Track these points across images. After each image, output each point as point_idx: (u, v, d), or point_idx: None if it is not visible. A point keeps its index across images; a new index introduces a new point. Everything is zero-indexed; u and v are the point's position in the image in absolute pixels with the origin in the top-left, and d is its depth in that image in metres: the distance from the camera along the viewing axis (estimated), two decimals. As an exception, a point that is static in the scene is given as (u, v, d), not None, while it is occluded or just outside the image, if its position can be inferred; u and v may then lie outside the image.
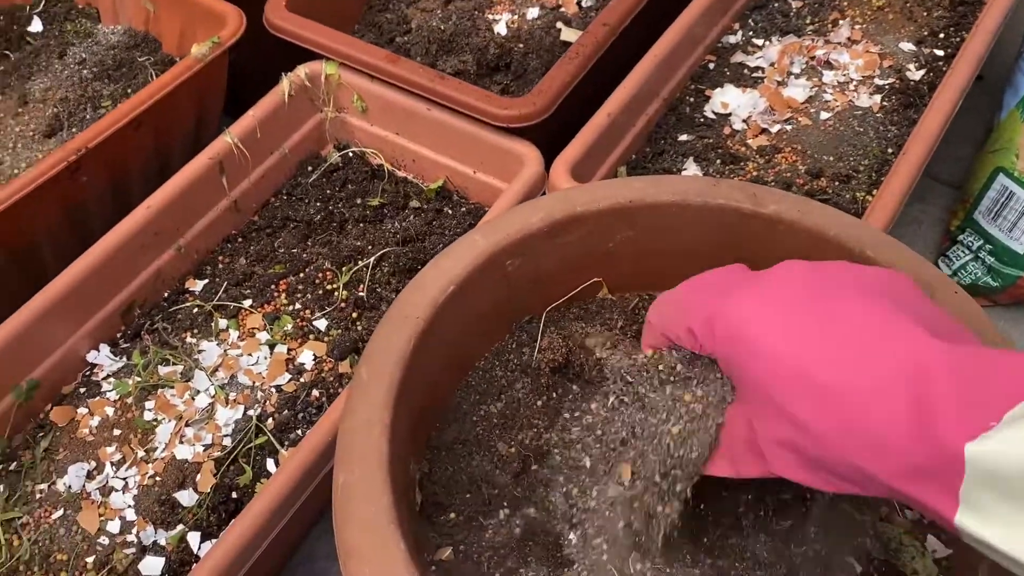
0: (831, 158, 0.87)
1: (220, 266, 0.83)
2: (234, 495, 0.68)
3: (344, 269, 0.81)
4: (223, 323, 0.78)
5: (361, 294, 0.80)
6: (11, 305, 0.71)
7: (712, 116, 0.93)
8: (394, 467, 0.49)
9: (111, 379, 0.75)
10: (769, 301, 0.44)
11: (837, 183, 0.85)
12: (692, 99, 0.95)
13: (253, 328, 0.78)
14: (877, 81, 0.94)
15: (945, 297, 0.57)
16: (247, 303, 0.79)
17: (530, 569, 0.53)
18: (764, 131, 0.91)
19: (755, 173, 0.86)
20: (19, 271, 0.79)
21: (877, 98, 0.92)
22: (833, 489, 0.41)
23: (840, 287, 0.44)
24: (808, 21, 1.02)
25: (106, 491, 0.69)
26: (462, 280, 0.58)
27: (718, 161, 0.88)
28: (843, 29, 0.99)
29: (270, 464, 0.70)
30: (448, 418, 0.61)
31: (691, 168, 0.87)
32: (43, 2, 1.00)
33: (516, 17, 1.04)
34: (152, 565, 0.65)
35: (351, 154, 0.92)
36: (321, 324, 0.78)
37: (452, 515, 0.56)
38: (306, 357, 0.76)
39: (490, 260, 0.60)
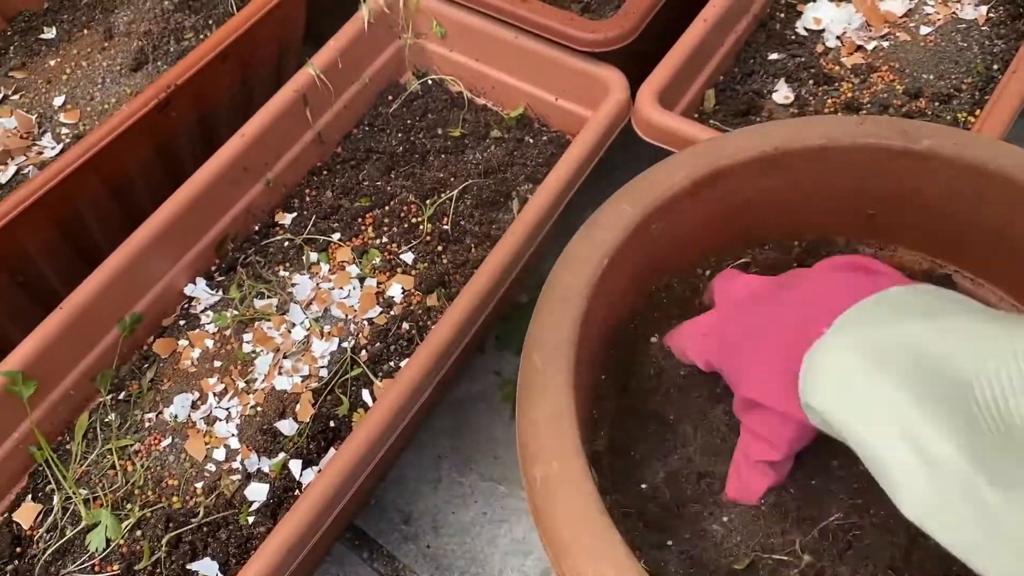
0: (931, 76, 0.83)
1: (307, 199, 0.84)
2: (332, 424, 0.71)
3: (428, 202, 0.82)
4: (314, 256, 0.79)
5: (445, 227, 0.80)
6: (110, 241, 0.74)
7: (804, 33, 0.89)
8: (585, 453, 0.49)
9: (209, 312, 0.78)
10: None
11: (937, 103, 0.81)
12: (783, 15, 0.91)
13: (343, 261, 0.79)
14: (984, -10, 0.88)
15: None
16: (336, 236, 0.80)
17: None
18: (859, 48, 0.87)
19: (850, 94, 0.83)
20: (118, 207, 0.81)
21: (983, 9, 0.87)
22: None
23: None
24: (909, -74, 0.96)
25: (210, 420, 0.72)
26: (614, 252, 0.58)
27: (811, 82, 0.85)
28: (947, -66, 0.93)
29: (365, 395, 0.72)
30: (605, 394, 0.62)
31: (782, 90, 0.84)
32: (120, -68, 0.99)
33: (597, -68, 0.99)
34: (258, 491, 0.68)
35: (430, 82, 0.91)
36: (408, 257, 0.79)
37: (642, 485, 0.57)
38: (395, 290, 0.77)
39: (639, 227, 0.59)
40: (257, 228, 0.83)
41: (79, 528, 0.68)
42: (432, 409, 0.87)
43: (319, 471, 0.69)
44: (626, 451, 0.59)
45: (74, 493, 0.69)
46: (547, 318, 0.55)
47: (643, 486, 0.57)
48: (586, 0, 0.92)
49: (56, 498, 0.69)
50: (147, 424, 0.73)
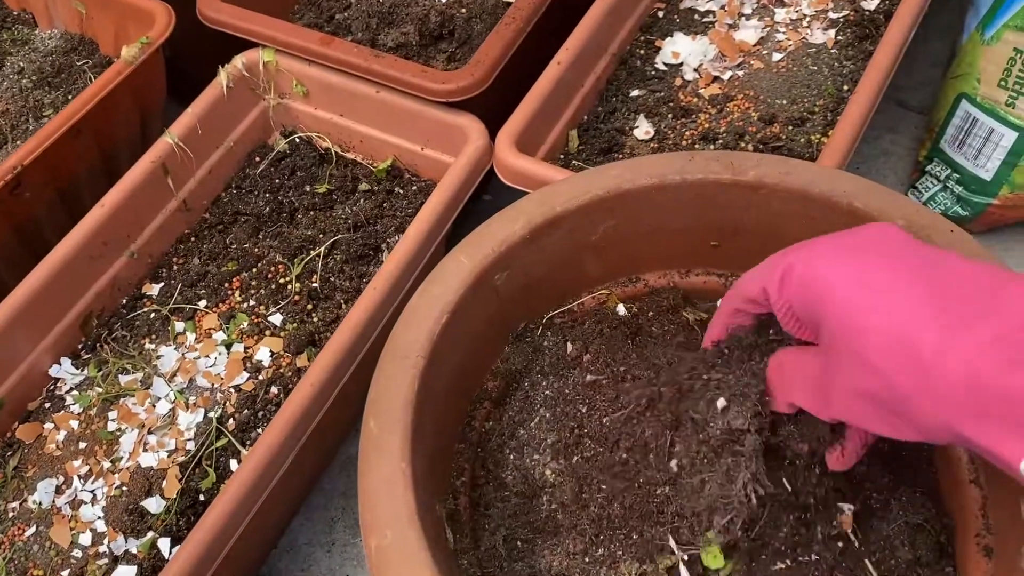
0: (784, 101, 0.85)
1: (175, 267, 0.83)
2: (201, 498, 0.69)
3: (296, 261, 0.81)
4: (180, 326, 0.78)
5: (315, 285, 0.80)
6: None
7: (664, 67, 0.91)
8: (423, 518, 0.48)
9: (74, 392, 0.76)
10: (850, 249, 0.44)
11: (791, 127, 0.83)
12: (643, 51, 0.93)
13: (209, 329, 0.78)
14: (831, 15, 0.91)
15: (943, 238, 0.56)
16: (202, 304, 0.79)
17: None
18: (716, 79, 0.89)
19: (707, 125, 0.84)
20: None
21: (831, 33, 0.89)
22: (904, 437, 0.41)
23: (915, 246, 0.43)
24: (759, -43, 0.99)
25: (76, 504, 0.70)
26: (454, 306, 0.57)
27: (670, 116, 0.86)
28: (795, -38, 0.96)
29: (233, 464, 0.70)
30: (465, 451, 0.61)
31: (643, 125, 0.85)
32: (-23, 10, 0.98)
33: (457, -19, 1.01)
34: (125, 574, 0.66)
35: (298, 140, 0.91)
36: (276, 319, 0.78)
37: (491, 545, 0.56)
38: (263, 354, 0.76)
39: (478, 279, 0.59)
40: (124, 301, 0.81)
41: (-62, 630, 0.66)
42: (323, 470, 0.86)
43: (187, 547, 0.67)
44: (486, 509, 0.59)
45: (-68, 594, 0.67)
46: (384, 381, 0.54)
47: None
48: (451, 50, 0.93)
49: (-86, 600, 0.67)
50: (11, 514, 0.71)
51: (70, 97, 0.89)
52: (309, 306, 0.79)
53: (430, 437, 0.56)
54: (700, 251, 0.67)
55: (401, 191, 0.87)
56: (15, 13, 0.98)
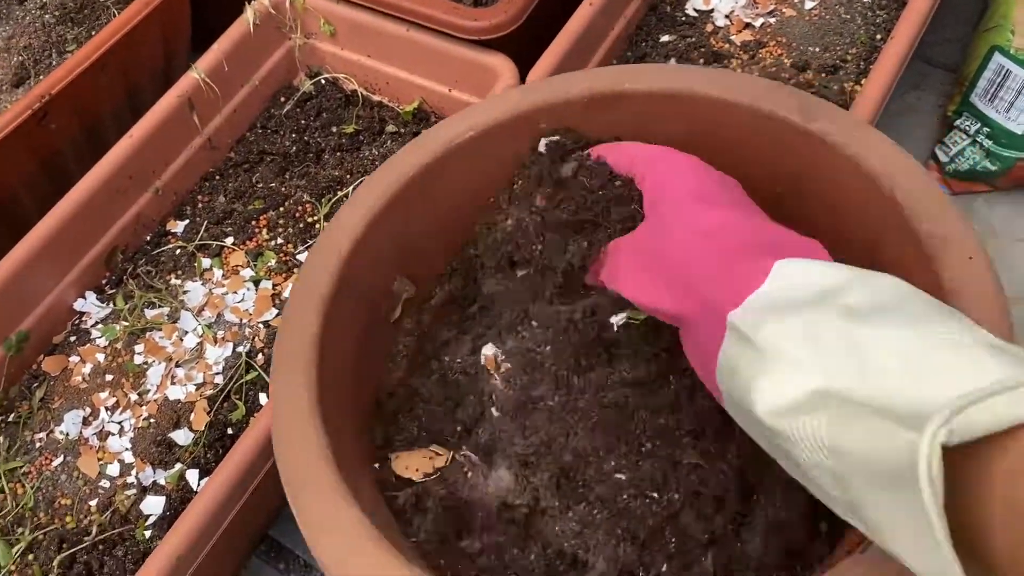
0: (817, 49, 0.84)
1: (200, 205, 0.83)
2: (229, 431, 0.69)
3: (323, 200, 0.80)
4: (206, 262, 0.77)
5: (343, 224, 0.79)
6: (-2, 260, 0.71)
7: (694, 14, 0.90)
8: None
9: (99, 326, 0.75)
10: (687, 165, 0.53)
11: (824, 75, 0.82)
12: (672, -3, 0.92)
13: (237, 266, 0.77)
14: (865, -37, 0.90)
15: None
16: (229, 241, 0.79)
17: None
18: (748, 26, 0.88)
19: (739, 70, 0.84)
20: (3, 225, 0.79)
21: (865, -19, 0.88)
22: (648, 302, 0.47)
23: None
24: (791, -96, 0.97)
25: (103, 436, 0.70)
26: (488, 127, 0.59)
27: (701, 61, 0.85)
28: (828, -90, 0.94)
29: (262, 398, 0.70)
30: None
31: (673, 70, 0.84)
32: (-2, -54, 0.97)
33: (486, -76, 0.99)
34: (153, 504, 0.66)
35: (323, 81, 0.90)
36: (304, 257, 0.77)
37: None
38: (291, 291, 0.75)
39: (525, 118, 0.59)
40: (148, 238, 0.81)
41: (-34, 557, 0.65)
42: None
43: (215, 478, 0.67)
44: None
45: (-41, 521, 0.66)
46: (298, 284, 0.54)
47: None
48: (479, -8, 0.92)
49: (-59, 528, 0.67)
50: (38, 444, 0.70)
51: (93, 33, 0.88)
52: (336, 245, 0.78)
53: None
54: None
55: (428, 133, 0.86)
56: (36, -51, 0.97)
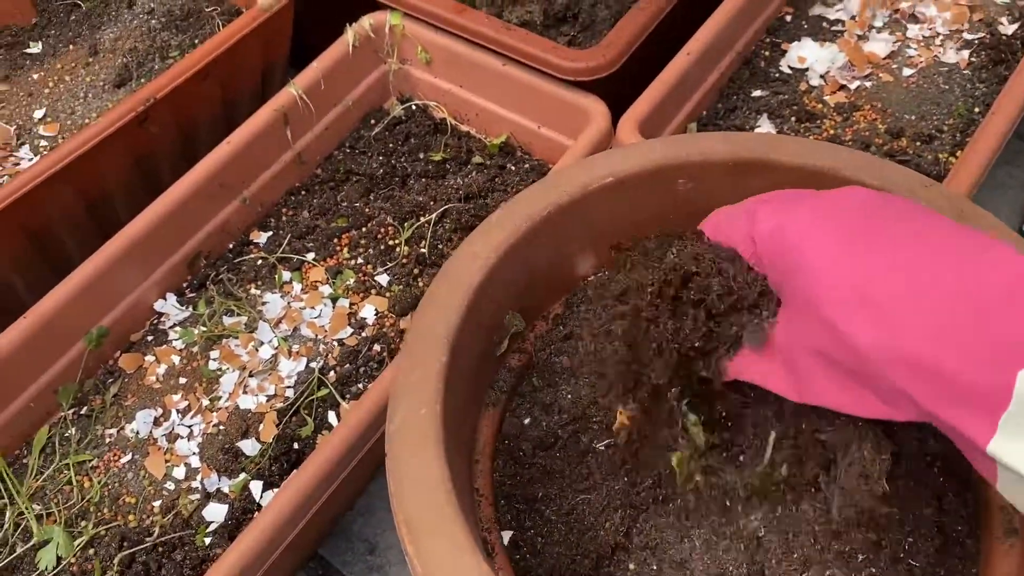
0: (913, 117, 0.83)
1: (284, 218, 0.84)
2: (295, 446, 0.69)
3: (406, 224, 0.81)
4: (286, 275, 0.78)
5: (423, 250, 0.79)
6: (83, 253, 0.73)
7: (788, 71, 0.90)
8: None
9: (177, 328, 0.76)
10: (828, 215, 0.43)
11: (919, 143, 0.81)
12: (767, 53, 0.92)
13: (316, 281, 0.78)
14: (965, 36, 0.89)
15: None
16: (310, 256, 0.80)
17: None
18: (842, 87, 0.87)
19: (832, 132, 0.83)
20: (94, 220, 0.80)
21: (965, 54, 0.87)
22: (860, 412, 0.41)
23: (903, 210, 0.43)
24: (893, -29, 0.97)
25: (172, 438, 0.70)
26: (626, 176, 0.58)
27: (793, 119, 0.85)
28: (931, -20, 0.94)
29: (331, 417, 0.70)
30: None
31: (765, 125, 0.84)
32: (113, -49, 1.00)
33: (585, -34, 1.00)
34: (216, 512, 0.66)
35: (414, 107, 0.91)
36: (383, 279, 0.78)
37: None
38: (368, 312, 0.76)
39: (664, 170, 0.59)
40: (231, 246, 0.82)
41: (30, 545, 0.66)
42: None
43: (280, 493, 0.67)
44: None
45: (27, 508, 0.67)
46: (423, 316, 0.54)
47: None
48: (572, 33, 0.93)
49: (8, 513, 0.67)
50: (107, 440, 0.71)
51: (196, 41, 0.90)
52: (416, 270, 0.78)
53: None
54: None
55: (513, 168, 0.87)
56: (149, -45, 1.00)
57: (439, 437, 0.49)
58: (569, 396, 0.60)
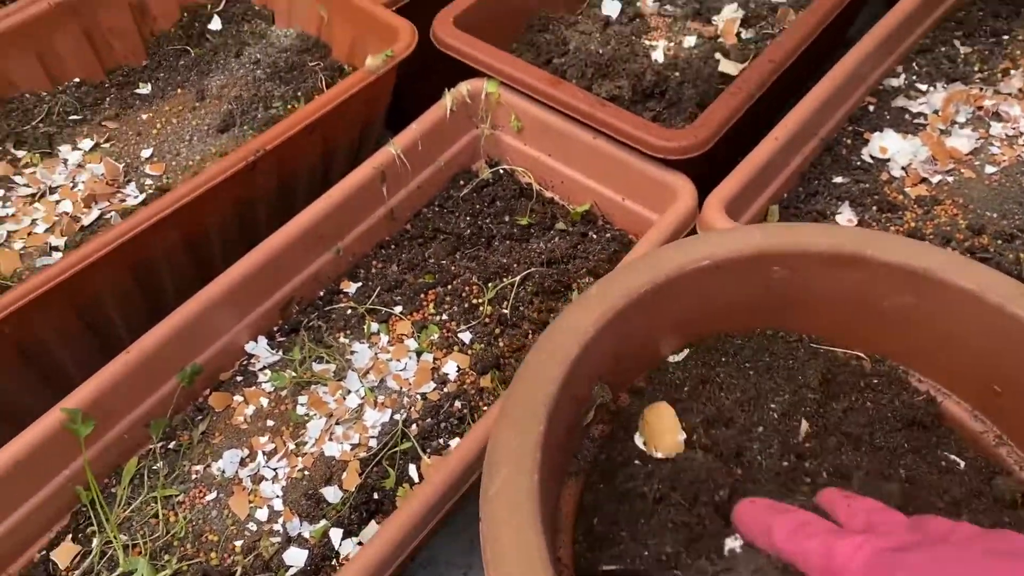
0: (995, 215, 0.84)
1: (373, 270, 0.86)
2: (376, 496, 0.71)
3: (490, 285, 0.83)
4: (374, 327, 0.81)
5: (505, 311, 0.81)
6: (179, 291, 0.76)
7: (869, 160, 0.92)
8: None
9: (267, 370, 0.79)
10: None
11: (1000, 241, 0.82)
12: (849, 141, 0.93)
13: (402, 334, 0.80)
14: (1050, 137, 0.90)
15: None
16: (398, 309, 0.82)
17: None
18: (924, 180, 0.88)
19: (913, 224, 0.84)
20: (191, 257, 0.84)
21: (1048, 155, 0.88)
22: None
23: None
24: (976, 69, 0.99)
25: (257, 479, 0.72)
26: (723, 260, 0.60)
27: (874, 208, 0.86)
28: (1015, 80, 0.96)
29: (412, 470, 0.72)
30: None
31: (846, 212, 0.86)
32: (223, 1, 1.05)
33: (673, 44, 1.04)
34: (296, 556, 0.68)
35: (501, 171, 0.94)
36: (465, 336, 0.80)
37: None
38: (450, 368, 0.78)
39: (761, 257, 0.62)
40: (322, 294, 0.85)
41: (115, 574, 0.68)
42: (472, 492, 0.87)
43: (359, 543, 0.69)
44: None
45: (115, 538, 0.69)
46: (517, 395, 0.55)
47: None
48: (658, 109, 0.96)
49: (96, 541, 0.70)
50: (194, 476, 0.73)
51: (299, 93, 0.94)
52: (497, 330, 0.80)
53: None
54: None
55: (595, 236, 0.89)
56: (256, 8, 1.05)
57: (536, 506, 0.50)
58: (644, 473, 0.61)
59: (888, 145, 0.92)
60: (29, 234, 0.84)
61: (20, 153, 0.91)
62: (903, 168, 0.90)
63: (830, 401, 0.65)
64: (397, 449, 0.73)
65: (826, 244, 0.63)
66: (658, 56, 1.00)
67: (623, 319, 0.61)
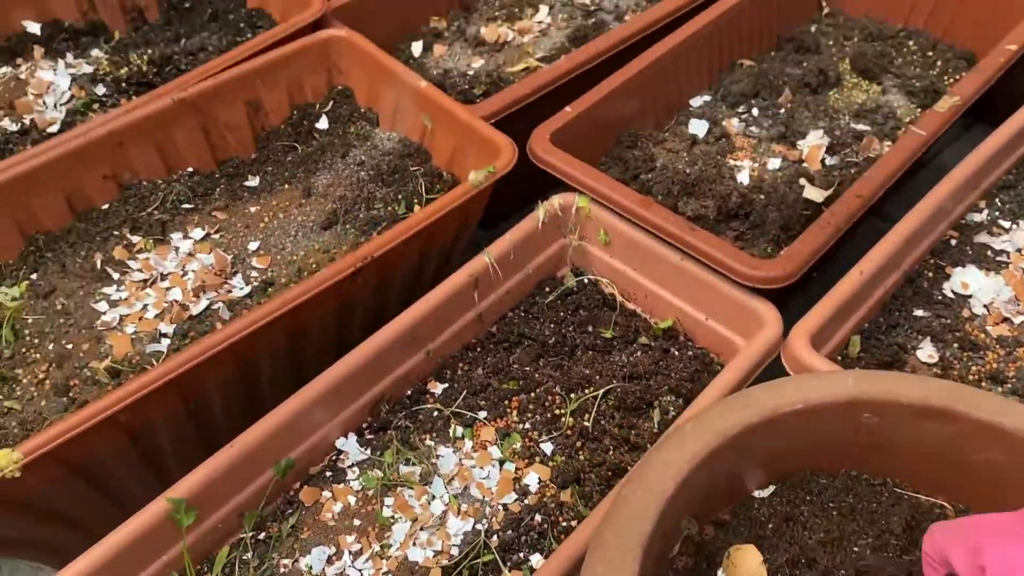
0: (1080, 362, 0.85)
1: (459, 372, 0.90)
2: (454, 605, 0.73)
3: (572, 396, 0.86)
4: (459, 431, 0.83)
5: (586, 424, 0.84)
6: (275, 388, 0.79)
7: (951, 295, 0.93)
8: None
9: (355, 467, 0.82)
10: None
11: (1085, 392, 0.82)
12: (931, 274, 0.95)
13: (486, 441, 0.83)
14: None
15: None
16: (482, 414, 0.85)
17: None
18: (1006, 320, 0.89)
19: (995, 365, 0.85)
20: (291, 356, 0.88)
21: None
22: None
23: None
24: (1060, 208, 1.00)
25: (343, 578, 0.75)
26: (816, 404, 0.63)
27: (955, 345, 0.87)
28: (1100, 223, 0.97)
29: (491, 581, 0.74)
30: None
31: (927, 347, 0.87)
32: (331, 102, 1.11)
33: (757, 166, 1.07)
34: (378, 659, 0.70)
35: (586, 280, 0.97)
36: (547, 447, 0.82)
37: None
38: (531, 479, 0.80)
39: (853, 404, 0.64)
40: (409, 392, 0.88)
41: (205, 662, 0.70)
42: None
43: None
44: None
45: (206, 626, 0.72)
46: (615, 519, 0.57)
47: None
48: (741, 230, 0.98)
49: (187, 628, 0.72)
50: (283, 570, 0.76)
51: (400, 196, 0.99)
52: (579, 443, 0.83)
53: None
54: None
55: (676, 352, 0.91)
56: (362, 110, 1.11)
57: None
58: None
59: (970, 281, 0.93)
60: (140, 319, 0.89)
61: (135, 238, 0.96)
62: (985, 306, 0.91)
63: (913, 548, 0.66)
64: (479, 561, 0.75)
65: (917, 396, 0.65)
66: (743, 178, 1.04)
67: (716, 458, 0.63)
